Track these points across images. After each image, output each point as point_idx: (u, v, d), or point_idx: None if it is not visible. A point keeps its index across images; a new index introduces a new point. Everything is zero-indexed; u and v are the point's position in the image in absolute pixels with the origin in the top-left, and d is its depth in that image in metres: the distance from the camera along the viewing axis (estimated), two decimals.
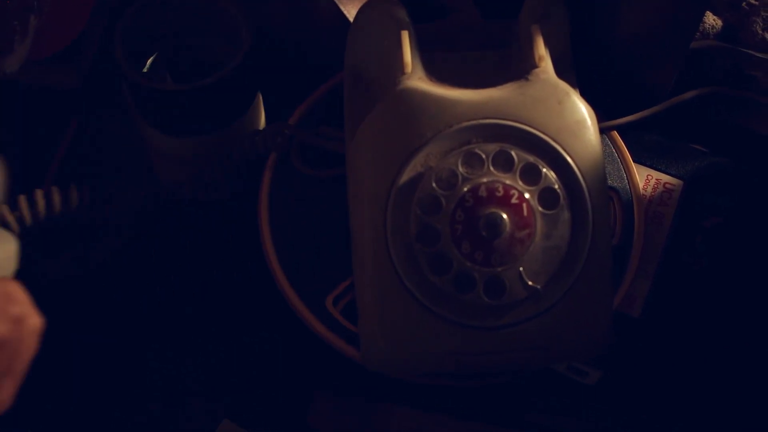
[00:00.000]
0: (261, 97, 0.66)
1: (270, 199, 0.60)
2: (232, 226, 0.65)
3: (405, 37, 0.55)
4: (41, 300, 0.50)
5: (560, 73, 0.55)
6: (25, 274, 0.57)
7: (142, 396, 0.61)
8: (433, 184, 0.52)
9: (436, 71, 0.55)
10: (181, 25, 0.64)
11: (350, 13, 0.68)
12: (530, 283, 0.51)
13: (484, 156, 0.52)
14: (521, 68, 0.54)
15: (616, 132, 0.61)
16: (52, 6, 0.71)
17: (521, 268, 0.51)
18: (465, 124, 0.52)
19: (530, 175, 0.52)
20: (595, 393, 0.58)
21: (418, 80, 0.54)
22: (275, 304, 0.60)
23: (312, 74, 0.68)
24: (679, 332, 0.59)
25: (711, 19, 0.66)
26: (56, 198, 0.58)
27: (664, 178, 0.61)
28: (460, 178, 0.51)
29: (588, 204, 0.52)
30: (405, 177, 0.52)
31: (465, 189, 0.51)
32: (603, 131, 0.59)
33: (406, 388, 0.59)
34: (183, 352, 0.62)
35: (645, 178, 0.61)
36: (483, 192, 0.51)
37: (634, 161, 0.61)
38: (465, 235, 0.51)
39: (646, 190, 0.61)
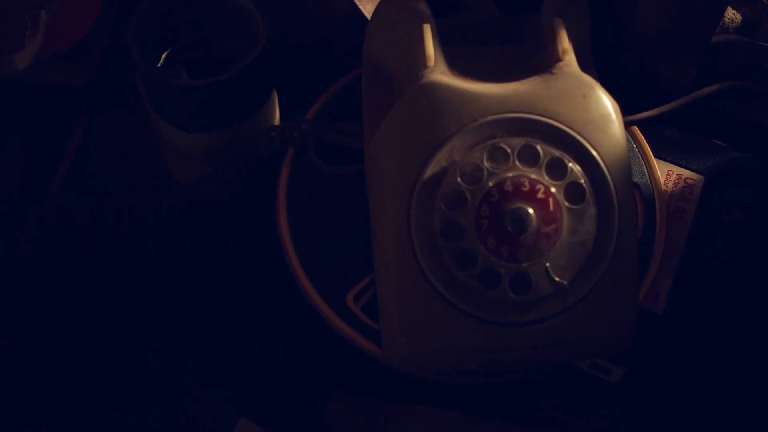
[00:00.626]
0: (275, 94, 0.65)
1: (287, 195, 0.59)
2: (242, 223, 0.64)
3: (427, 30, 0.54)
4: None
5: (581, 67, 0.54)
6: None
7: (142, 396, 0.61)
8: (458, 179, 0.51)
9: (457, 65, 0.54)
10: (195, 20, 0.63)
11: (365, 7, 0.68)
12: (557, 278, 0.50)
13: (509, 150, 0.51)
14: (544, 62, 0.54)
15: (636, 127, 0.61)
16: (61, 2, 0.70)
17: (548, 264, 0.50)
18: (490, 118, 0.51)
19: (556, 170, 0.51)
20: (618, 390, 0.58)
21: (441, 74, 0.53)
22: (292, 301, 0.59)
23: (325, 70, 0.67)
24: (702, 328, 0.58)
25: (730, 14, 0.66)
26: None
27: (685, 173, 0.61)
28: (485, 172, 0.51)
29: (614, 199, 0.52)
30: (429, 172, 0.51)
31: (490, 184, 0.51)
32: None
33: (424, 387, 0.58)
34: (193, 351, 0.62)
35: (666, 174, 0.61)
36: (509, 187, 0.50)
37: (654, 156, 0.60)
38: (490, 230, 0.50)
39: (667, 186, 0.60)
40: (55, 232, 0.64)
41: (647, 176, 0.60)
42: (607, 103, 0.53)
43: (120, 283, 0.64)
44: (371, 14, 0.67)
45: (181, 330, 0.62)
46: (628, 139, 0.60)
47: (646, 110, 0.62)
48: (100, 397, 0.60)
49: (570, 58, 0.53)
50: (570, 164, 0.51)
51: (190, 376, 0.61)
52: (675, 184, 0.60)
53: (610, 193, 0.52)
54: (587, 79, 0.53)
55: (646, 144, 0.60)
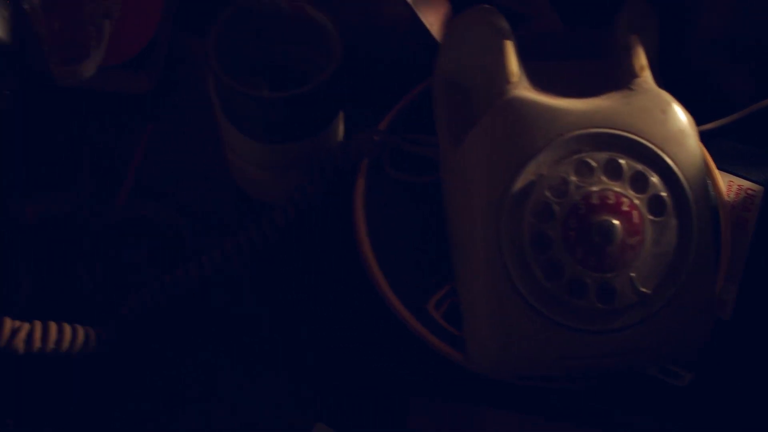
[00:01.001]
0: None
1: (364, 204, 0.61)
2: (318, 231, 0.66)
3: (509, 46, 0.56)
4: None
5: None
6: None
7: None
8: (546, 192, 0.53)
9: (536, 80, 0.56)
10: (267, 33, 0.64)
11: (426, 19, 0.69)
12: (641, 288, 0.52)
13: (594, 164, 0.53)
14: (621, 78, 0.56)
15: None
16: (122, 12, 0.71)
17: (632, 274, 0.52)
18: (575, 133, 0.53)
19: (639, 183, 0.53)
20: (686, 394, 0.60)
21: (524, 89, 0.55)
22: (370, 307, 0.61)
23: (385, 81, 0.69)
24: (766, 333, 0.61)
25: None
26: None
27: (746, 184, 0.63)
28: (572, 186, 0.53)
29: (693, 211, 0.54)
30: (518, 185, 0.53)
31: (577, 197, 0.52)
32: None
33: (496, 390, 0.60)
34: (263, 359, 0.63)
35: (727, 185, 0.63)
36: (595, 199, 0.52)
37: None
38: (578, 241, 0.52)
39: (729, 196, 0.62)
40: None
41: (710, 188, 0.62)
42: (684, 119, 0.55)
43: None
44: (431, 25, 0.69)
45: (251, 334, 0.64)
46: None
47: (706, 122, 0.64)
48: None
49: (647, 75, 0.55)
50: (652, 178, 0.53)
51: (280, 378, 0.62)
52: (736, 194, 0.62)
53: (689, 206, 0.54)
54: (665, 95, 0.55)
55: (708, 156, 0.62)
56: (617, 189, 0.53)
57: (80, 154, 0.71)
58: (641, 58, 0.56)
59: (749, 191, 0.63)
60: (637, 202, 0.53)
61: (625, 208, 0.52)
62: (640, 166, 0.53)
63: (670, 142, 0.54)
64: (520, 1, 0.68)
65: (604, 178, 0.53)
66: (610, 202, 0.52)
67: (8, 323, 0.54)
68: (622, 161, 0.53)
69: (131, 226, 0.68)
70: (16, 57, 0.60)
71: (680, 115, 0.55)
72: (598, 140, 0.53)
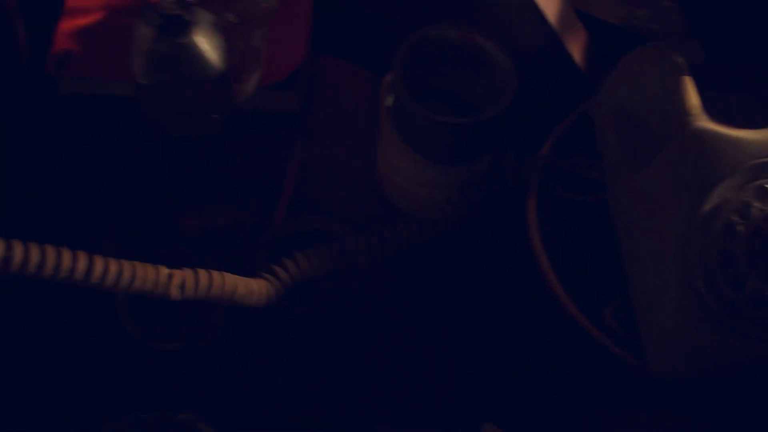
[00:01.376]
0: None
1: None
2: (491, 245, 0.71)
3: (689, 81, 0.61)
4: None
5: None
6: None
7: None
8: (731, 215, 0.59)
9: (710, 111, 0.62)
10: (438, 60, 0.69)
11: (570, 47, 0.74)
12: None
13: None
14: None
15: None
16: (275, 36, 0.75)
17: None
18: (756, 161, 0.59)
19: None
20: None
21: (705, 121, 0.60)
22: (539, 312, 0.66)
23: (525, 104, 0.74)
24: None
25: None
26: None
27: None
28: (754, 209, 0.59)
29: None
30: (705, 208, 0.59)
31: (759, 219, 0.58)
32: None
33: (663, 393, 0.65)
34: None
35: None
36: None
37: None
38: (760, 259, 0.58)
39: None
40: None
41: None
42: None
43: None
44: (572, 51, 0.74)
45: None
46: None
47: None
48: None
49: None
50: None
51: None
52: None
53: None
54: None
55: None
56: None
57: (238, 169, 0.74)
58: None
59: None
60: None
61: None
62: None
63: None
64: (658, 34, 0.74)
65: None
66: None
67: (164, 270, 0.58)
68: None
69: (296, 239, 0.72)
70: (227, 84, 0.64)
71: None
72: None
